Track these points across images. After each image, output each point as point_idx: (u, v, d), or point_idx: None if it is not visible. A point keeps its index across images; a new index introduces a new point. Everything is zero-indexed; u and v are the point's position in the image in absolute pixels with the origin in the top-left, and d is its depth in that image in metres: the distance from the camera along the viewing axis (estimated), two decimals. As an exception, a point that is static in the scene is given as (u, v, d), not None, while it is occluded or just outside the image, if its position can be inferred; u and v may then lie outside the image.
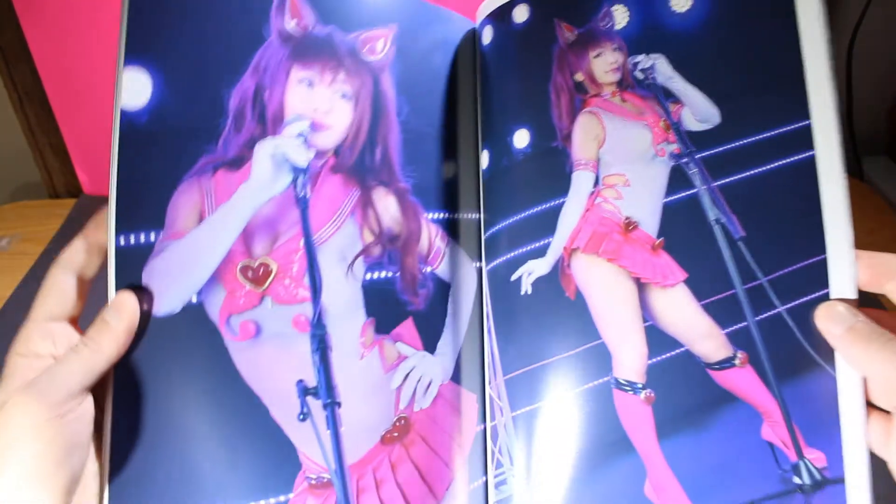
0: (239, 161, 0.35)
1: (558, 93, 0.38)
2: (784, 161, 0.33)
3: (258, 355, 0.34)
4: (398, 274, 0.37)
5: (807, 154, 0.33)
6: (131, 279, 0.33)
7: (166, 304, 0.33)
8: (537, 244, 0.37)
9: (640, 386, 0.34)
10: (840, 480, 0.32)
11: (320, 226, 0.35)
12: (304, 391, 0.33)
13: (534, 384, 0.36)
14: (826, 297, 0.33)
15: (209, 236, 0.34)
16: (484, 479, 0.37)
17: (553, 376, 0.35)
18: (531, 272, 0.37)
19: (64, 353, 0.31)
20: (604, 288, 0.36)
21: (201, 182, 0.34)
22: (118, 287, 0.33)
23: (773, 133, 0.34)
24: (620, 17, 0.37)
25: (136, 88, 0.34)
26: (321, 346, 0.34)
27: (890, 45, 0.81)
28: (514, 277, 0.37)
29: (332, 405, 0.34)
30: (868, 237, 0.72)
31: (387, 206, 0.37)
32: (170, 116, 0.34)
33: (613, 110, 0.37)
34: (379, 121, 0.38)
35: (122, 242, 0.33)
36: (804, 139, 0.33)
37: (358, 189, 0.37)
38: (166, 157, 0.34)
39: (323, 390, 0.34)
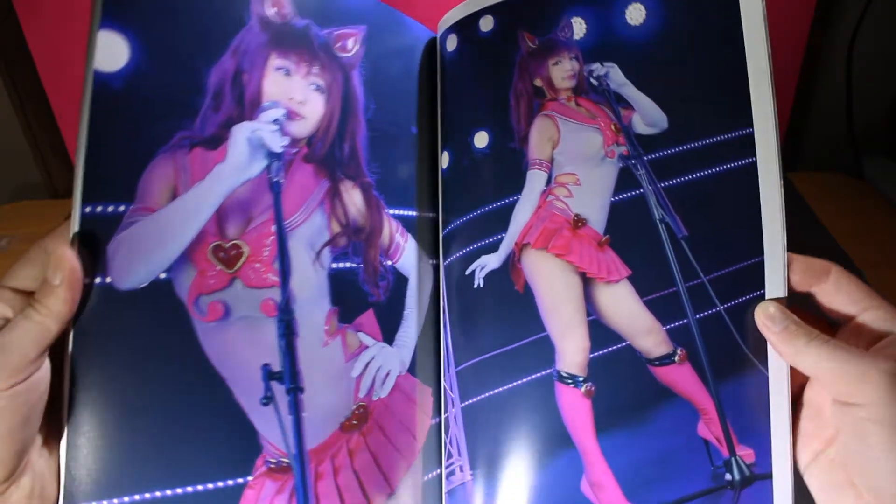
0: (216, 140, 0.35)
1: (518, 98, 0.39)
2: (727, 166, 0.35)
3: (225, 337, 0.34)
4: (361, 265, 0.38)
5: (748, 160, 0.35)
6: (95, 250, 0.32)
7: (132, 278, 0.32)
8: (492, 240, 0.38)
9: (581, 379, 0.35)
10: (767, 476, 0.34)
11: (291, 212, 0.36)
12: (268, 375, 0.34)
13: (481, 375, 0.37)
14: (761, 298, 0.34)
15: (182, 214, 0.34)
16: (439, 471, 0.39)
17: (499, 368, 0.37)
18: (484, 266, 0.38)
19: (14, 319, 0.30)
20: (550, 281, 0.37)
21: (176, 158, 0.34)
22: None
23: (717, 139, 0.35)
24: (578, 28, 0.39)
25: (111, 51, 0.33)
26: (287, 332, 0.34)
27: (890, 45, 0.81)
28: (468, 272, 0.38)
29: (295, 390, 0.34)
30: (868, 236, 0.72)
31: (353, 199, 0.38)
32: (147, 85, 0.34)
33: (568, 114, 0.39)
34: (348, 116, 0.39)
35: (89, 211, 0.32)
36: (746, 146, 0.35)
37: (328, 180, 0.38)
38: (141, 127, 0.33)
39: (287, 375, 0.34)
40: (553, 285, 0.37)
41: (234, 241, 0.34)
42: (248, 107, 0.36)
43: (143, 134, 0.33)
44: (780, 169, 0.35)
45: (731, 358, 0.34)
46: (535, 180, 0.38)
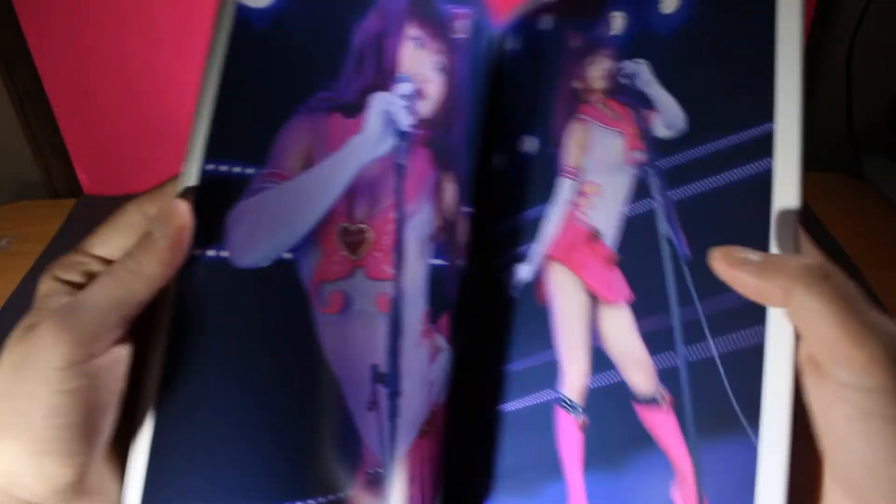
0: (354, 108, 0.31)
1: (560, 100, 0.37)
2: (740, 170, 0.29)
3: (344, 332, 0.30)
4: (447, 264, 0.34)
5: (764, 162, 0.28)
6: (213, 217, 0.27)
7: (254, 254, 0.28)
8: (525, 248, 0.36)
9: (578, 408, 0.32)
10: None
11: (409, 199, 0.32)
12: (375, 377, 0.30)
13: (499, 388, 0.35)
14: (762, 342, 0.26)
15: (316, 186, 0.29)
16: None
17: (514, 383, 0.34)
18: (518, 276, 0.36)
19: (96, 277, 0.25)
20: (565, 299, 0.34)
21: (315, 121, 0.30)
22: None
23: (733, 138, 0.30)
24: (617, 23, 0.35)
25: None
26: (396, 330, 0.31)
27: (890, 45, 0.81)
28: (505, 281, 0.36)
29: (396, 394, 0.31)
30: (868, 236, 0.72)
31: (449, 193, 0.35)
32: (293, 32, 0.29)
33: (598, 118, 0.36)
34: (455, 104, 0.35)
35: (211, 169, 0.27)
36: (764, 145, 0.28)
37: (437, 169, 0.34)
38: (282, 78, 0.29)
39: (391, 378, 0.31)
40: (567, 303, 0.34)
41: (360, 225, 0.31)
42: (385, 75, 0.32)
43: (283, 87, 0.29)
44: (801, 176, 0.27)
45: (718, 412, 0.27)
46: (564, 189, 0.35)
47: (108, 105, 0.79)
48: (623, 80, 0.34)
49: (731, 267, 0.26)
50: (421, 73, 0.33)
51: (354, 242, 0.30)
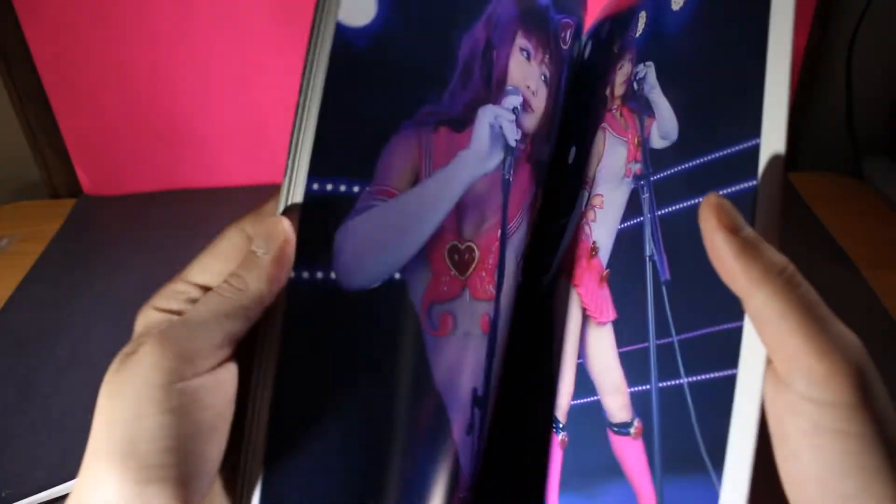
0: (461, 122, 0.30)
1: (595, 108, 0.35)
2: (725, 188, 0.26)
3: (450, 355, 0.28)
4: (521, 280, 0.33)
5: (749, 181, 0.25)
6: (319, 237, 0.26)
7: (363, 275, 0.26)
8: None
9: (561, 426, 0.31)
10: None
11: (512, 217, 0.31)
12: (474, 401, 0.29)
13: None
14: (732, 380, 0.24)
15: (425, 203, 0.28)
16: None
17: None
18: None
19: (201, 297, 0.24)
20: (564, 312, 0.33)
21: (421, 136, 0.28)
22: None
23: (720, 154, 0.27)
24: (641, 24, 0.33)
25: (359, 3, 0.27)
26: (492, 351, 0.30)
27: (890, 45, 0.81)
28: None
29: (485, 417, 0.29)
30: (868, 236, 0.72)
31: (538, 209, 0.34)
32: (395, 48, 0.28)
33: (613, 126, 0.34)
34: (554, 117, 0.34)
35: (317, 188, 0.26)
36: (749, 163, 0.25)
37: (535, 185, 0.33)
38: (385, 95, 0.28)
39: (485, 400, 0.29)
40: (566, 318, 0.33)
41: (469, 244, 0.29)
42: (493, 88, 0.31)
43: (387, 103, 0.28)
44: (784, 197, 0.25)
45: (685, 450, 0.25)
46: (582, 200, 0.34)
47: (108, 105, 0.79)
48: (635, 86, 0.32)
49: (718, 225, 0.23)
50: (528, 85, 0.32)
51: (463, 262, 0.29)
